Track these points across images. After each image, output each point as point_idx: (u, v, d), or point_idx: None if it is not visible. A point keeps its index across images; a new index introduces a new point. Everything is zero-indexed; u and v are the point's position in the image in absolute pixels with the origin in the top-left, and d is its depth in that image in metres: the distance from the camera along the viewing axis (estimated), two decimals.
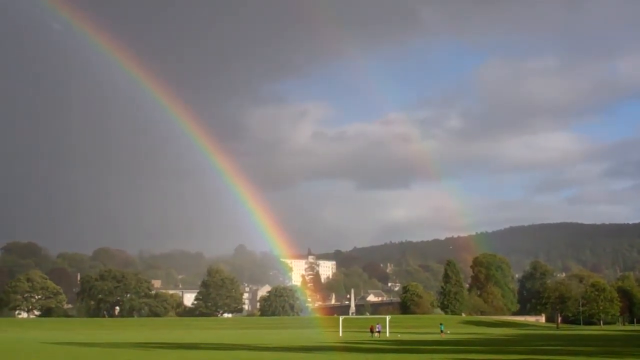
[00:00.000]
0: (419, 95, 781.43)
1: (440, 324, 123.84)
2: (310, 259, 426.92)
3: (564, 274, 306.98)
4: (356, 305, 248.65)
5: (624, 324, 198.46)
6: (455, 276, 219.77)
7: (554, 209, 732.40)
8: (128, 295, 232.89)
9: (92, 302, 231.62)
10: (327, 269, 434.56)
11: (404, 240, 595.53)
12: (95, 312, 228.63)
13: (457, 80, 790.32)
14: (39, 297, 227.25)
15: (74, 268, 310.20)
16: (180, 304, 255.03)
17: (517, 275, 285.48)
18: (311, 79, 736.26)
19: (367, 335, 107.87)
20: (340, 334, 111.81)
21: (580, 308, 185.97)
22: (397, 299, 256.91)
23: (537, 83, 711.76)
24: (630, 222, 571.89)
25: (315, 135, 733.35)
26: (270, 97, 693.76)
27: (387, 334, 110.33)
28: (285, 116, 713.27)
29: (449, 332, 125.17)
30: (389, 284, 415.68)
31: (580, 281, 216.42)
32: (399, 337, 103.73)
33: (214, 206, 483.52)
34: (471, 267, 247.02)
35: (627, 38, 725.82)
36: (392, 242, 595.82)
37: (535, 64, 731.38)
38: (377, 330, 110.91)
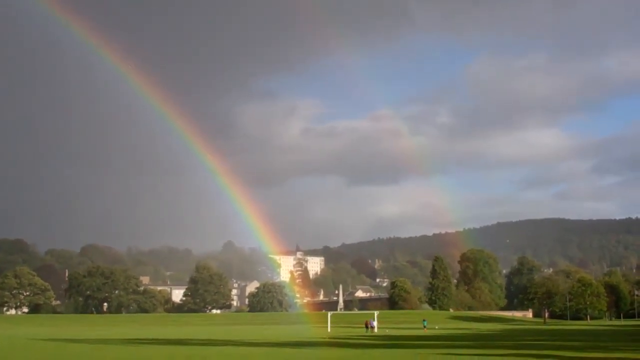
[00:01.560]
0: (409, 92, 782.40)
1: (423, 320, 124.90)
2: (299, 255, 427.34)
3: (551, 270, 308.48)
4: (344, 301, 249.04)
5: (610, 319, 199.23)
6: (443, 272, 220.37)
7: (542, 205, 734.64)
8: (116, 292, 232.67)
9: (81, 299, 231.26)
10: (315, 265, 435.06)
11: (392, 236, 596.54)
12: (83, 309, 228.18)
13: (447, 77, 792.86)
14: (27, 293, 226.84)
15: (62, 264, 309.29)
16: (168, 300, 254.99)
17: (504, 271, 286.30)
18: (301, 75, 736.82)
19: (361, 331, 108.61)
20: (329, 330, 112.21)
21: (567, 303, 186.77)
22: (385, 295, 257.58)
23: (526, 80, 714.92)
24: (617, 218, 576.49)
25: (305, 132, 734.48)
26: (261, 94, 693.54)
27: (376, 330, 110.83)
28: (275, 112, 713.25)
29: (436, 327, 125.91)
30: (377, 280, 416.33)
31: (567, 276, 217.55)
32: (387, 332, 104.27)
33: (203, 202, 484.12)
34: (459, 262, 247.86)
35: (615, 35, 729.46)
36: (381, 238, 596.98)
37: (524, 61, 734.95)
38: (371, 325, 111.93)
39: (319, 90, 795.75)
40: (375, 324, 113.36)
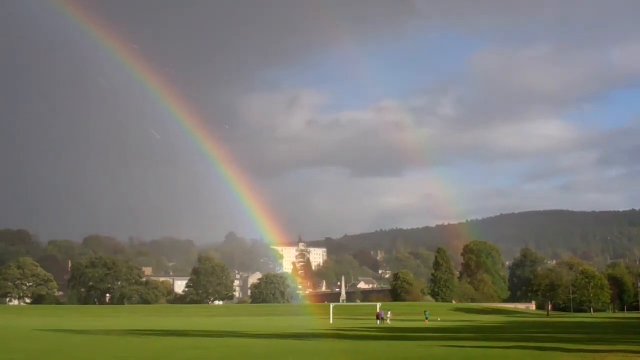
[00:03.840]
0: (412, 83, 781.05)
1: (425, 312, 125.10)
2: (301, 246, 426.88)
3: (554, 262, 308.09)
4: (347, 293, 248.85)
5: (614, 312, 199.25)
6: (446, 264, 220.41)
7: (546, 197, 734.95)
8: (119, 283, 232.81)
9: (83, 290, 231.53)
10: (318, 256, 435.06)
11: (395, 228, 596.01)
12: (86, 300, 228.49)
13: (451, 68, 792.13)
14: (30, 284, 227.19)
15: (65, 255, 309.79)
16: (171, 291, 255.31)
17: (507, 263, 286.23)
18: (304, 66, 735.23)
19: (363, 323, 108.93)
20: (331, 321, 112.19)
21: (571, 295, 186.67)
22: (387, 287, 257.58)
23: (531, 71, 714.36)
24: (621, 210, 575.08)
25: (309, 123, 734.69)
26: (264, 85, 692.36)
27: (377, 322, 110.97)
28: (278, 103, 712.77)
29: (439, 319, 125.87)
30: (380, 272, 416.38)
31: (571, 269, 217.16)
32: (390, 324, 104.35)
33: (205, 193, 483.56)
34: (462, 254, 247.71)
35: (620, 27, 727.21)
36: (383, 229, 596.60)
37: (529, 52, 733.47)
38: (381, 317, 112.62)
39: (322, 82, 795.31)
40: (384, 315, 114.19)
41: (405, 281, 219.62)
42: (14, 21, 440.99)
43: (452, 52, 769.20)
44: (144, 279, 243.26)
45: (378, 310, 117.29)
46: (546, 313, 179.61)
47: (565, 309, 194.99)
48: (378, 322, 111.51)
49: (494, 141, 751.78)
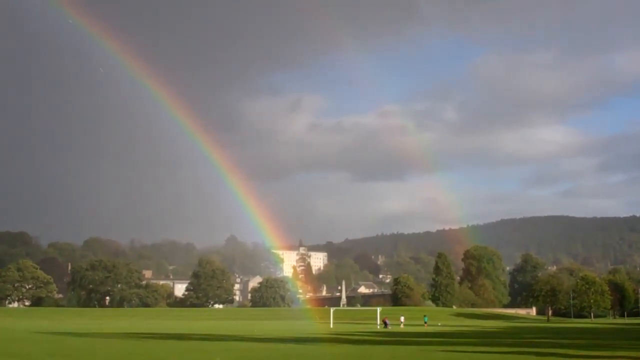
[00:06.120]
0: (415, 88, 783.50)
1: (424, 316, 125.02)
2: (302, 250, 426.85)
3: (554, 267, 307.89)
4: (347, 297, 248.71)
5: (614, 317, 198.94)
6: (447, 268, 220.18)
7: (547, 202, 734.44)
8: (119, 286, 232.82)
9: (83, 292, 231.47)
10: (318, 260, 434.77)
11: (395, 232, 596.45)
12: (86, 302, 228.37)
13: (453, 73, 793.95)
14: (30, 286, 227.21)
15: (65, 258, 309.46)
16: (171, 294, 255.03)
17: (508, 268, 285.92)
18: (307, 70, 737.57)
19: (362, 327, 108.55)
20: (331, 326, 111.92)
21: (571, 301, 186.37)
22: (388, 291, 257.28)
23: (534, 77, 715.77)
24: (622, 216, 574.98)
25: (311, 127, 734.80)
26: (266, 89, 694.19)
27: (378, 326, 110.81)
28: (280, 107, 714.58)
29: (439, 324, 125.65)
30: (380, 276, 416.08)
31: (571, 274, 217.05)
32: (390, 328, 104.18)
33: (206, 196, 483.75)
34: (462, 259, 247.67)
35: (623, 33, 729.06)
36: (384, 233, 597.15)
37: (531, 57, 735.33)
38: (387, 323, 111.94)
39: (324, 86, 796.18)
40: (389, 322, 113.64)
41: (405, 285, 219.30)
42: (25, 24, 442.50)
43: (454, 57, 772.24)
44: (144, 282, 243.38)
45: (378, 315, 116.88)
46: (546, 318, 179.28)
47: (565, 315, 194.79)
48: (379, 326, 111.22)
49: (496, 146, 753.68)
